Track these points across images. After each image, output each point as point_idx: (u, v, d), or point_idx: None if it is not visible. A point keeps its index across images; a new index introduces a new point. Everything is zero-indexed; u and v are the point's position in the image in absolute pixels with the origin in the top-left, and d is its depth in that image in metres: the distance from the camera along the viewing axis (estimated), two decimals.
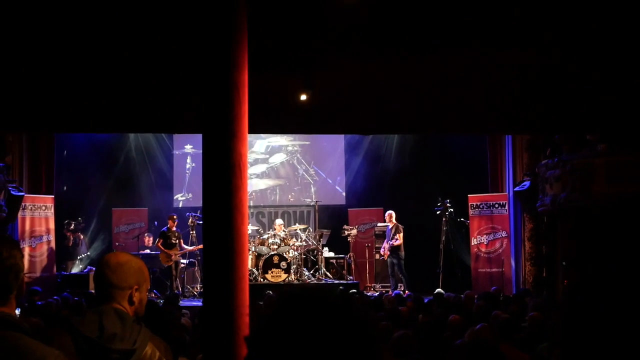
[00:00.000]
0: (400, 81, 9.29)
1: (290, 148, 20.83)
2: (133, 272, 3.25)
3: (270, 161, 20.86)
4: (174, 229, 16.79)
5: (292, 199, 20.63)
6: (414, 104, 10.09)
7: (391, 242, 17.21)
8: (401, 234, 17.14)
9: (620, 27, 7.68)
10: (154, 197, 20.12)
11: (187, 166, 20.46)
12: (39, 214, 17.39)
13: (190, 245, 17.13)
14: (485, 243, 17.92)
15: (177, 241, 16.75)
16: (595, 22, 7.55)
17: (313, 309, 1.51)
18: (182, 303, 13.96)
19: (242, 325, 3.73)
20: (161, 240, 16.64)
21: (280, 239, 16.96)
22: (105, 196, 19.73)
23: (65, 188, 18.70)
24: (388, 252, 17.32)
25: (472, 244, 18.06)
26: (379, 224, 18.31)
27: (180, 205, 20.21)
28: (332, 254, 17.96)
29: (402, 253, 17.15)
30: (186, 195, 20.46)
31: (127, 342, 3.08)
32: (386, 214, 17.58)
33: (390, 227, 17.36)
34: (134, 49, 8.05)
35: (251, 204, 19.35)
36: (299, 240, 17.23)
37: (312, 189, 20.59)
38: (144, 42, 7.80)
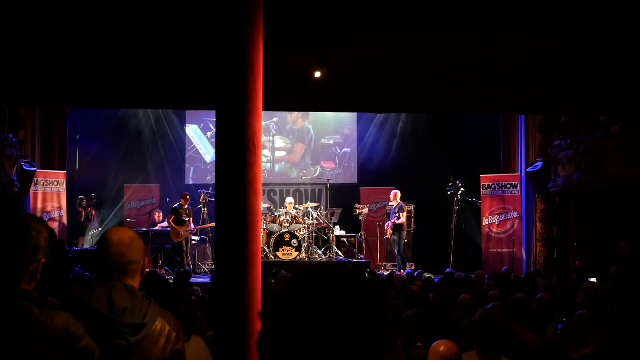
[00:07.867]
0: (415, 60, 9.24)
1: (304, 125, 20.78)
2: (142, 246, 3.27)
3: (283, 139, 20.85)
4: (186, 206, 16.80)
5: (304, 177, 20.61)
6: (427, 83, 10.05)
7: (394, 220, 17.15)
8: (404, 213, 17.06)
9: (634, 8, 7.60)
10: (166, 174, 20.12)
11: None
12: (51, 190, 17.41)
13: (202, 223, 17.14)
14: (496, 223, 17.88)
15: (188, 219, 16.77)
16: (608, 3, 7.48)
17: (328, 285, 1.50)
18: (193, 280, 14.00)
19: (254, 302, 3.72)
20: (172, 217, 16.66)
21: (291, 217, 16.94)
22: (117, 173, 19.73)
23: (78, 159, 18.64)
24: (391, 231, 17.26)
25: (484, 224, 18.03)
26: (390, 203, 18.27)
27: (192, 182, 20.20)
28: (343, 233, 17.94)
29: (405, 232, 17.10)
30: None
31: (137, 317, 3.08)
32: (391, 194, 17.49)
33: (394, 206, 17.29)
34: (149, 24, 8.02)
35: (263, 182, 19.23)
36: (311, 218, 17.22)
37: (325, 168, 20.58)
38: (159, 17, 7.77)
